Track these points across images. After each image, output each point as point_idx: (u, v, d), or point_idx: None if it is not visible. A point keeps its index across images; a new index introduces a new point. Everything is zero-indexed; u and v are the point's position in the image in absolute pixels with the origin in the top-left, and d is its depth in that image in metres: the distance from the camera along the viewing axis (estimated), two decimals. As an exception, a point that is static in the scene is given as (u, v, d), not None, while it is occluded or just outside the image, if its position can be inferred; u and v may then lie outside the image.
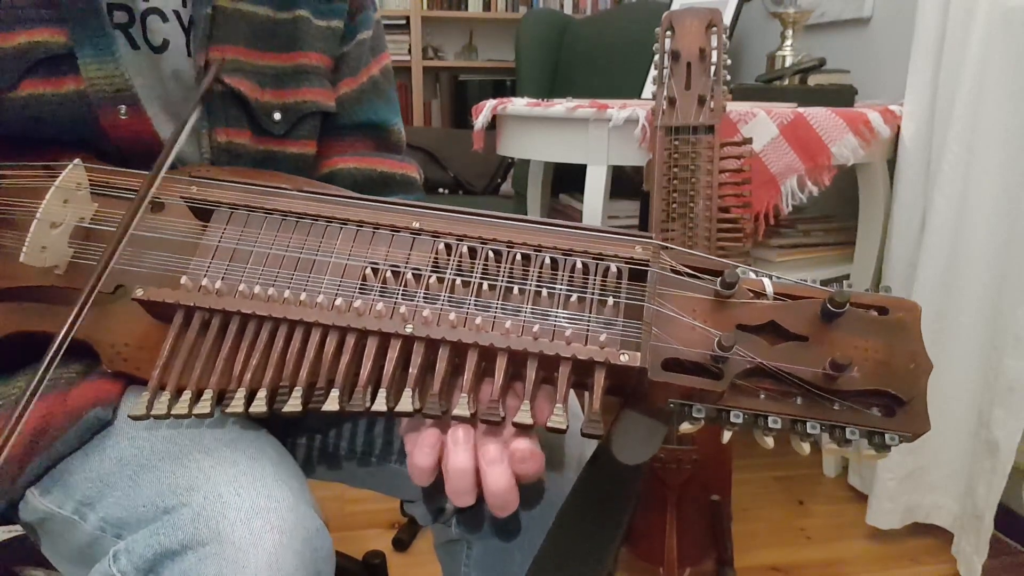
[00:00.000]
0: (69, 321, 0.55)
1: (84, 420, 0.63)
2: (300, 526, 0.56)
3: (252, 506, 0.55)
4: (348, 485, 0.87)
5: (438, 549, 0.89)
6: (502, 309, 0.54)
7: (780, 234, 1.79)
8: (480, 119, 1.77)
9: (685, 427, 0.51)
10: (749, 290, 0.52)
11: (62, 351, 0.55)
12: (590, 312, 0.54)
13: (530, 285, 0.55)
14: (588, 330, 0.53)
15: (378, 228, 0.60)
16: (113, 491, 0.60)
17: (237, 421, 0.65)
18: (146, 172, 0.64)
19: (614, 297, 0.54)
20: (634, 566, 1.53)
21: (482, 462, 0.53)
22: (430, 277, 0.57)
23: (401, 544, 1.68)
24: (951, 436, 1.60)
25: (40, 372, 0.53)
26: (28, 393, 0.53)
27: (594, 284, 0.55)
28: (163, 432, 0.62)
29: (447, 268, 0.57)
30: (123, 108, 0.70)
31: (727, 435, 0.50)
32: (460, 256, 0.57)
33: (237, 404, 0.54)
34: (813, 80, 1.81)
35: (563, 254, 0.56)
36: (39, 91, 0.67)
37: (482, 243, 0.57)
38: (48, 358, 0.54)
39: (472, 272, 0.57)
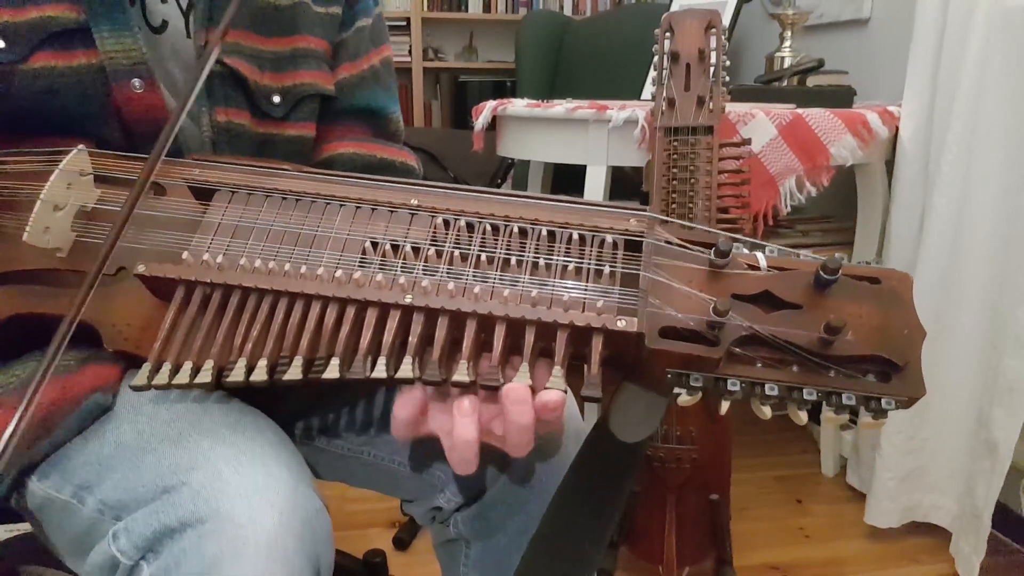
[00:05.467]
0: (76, 304, 0.55)
1: (84, 405, 0.63)
2: (300, 506, 0.57)
3: (252, 485, 0.55)
4: (348, 484, 0.87)
5: (437, 549, 0.89)
6: (500, 279, 0.55)
7: (779, 235, 1.79)
8: (480, 120, 1.77)
9: (683, 399, 0.51)
10: (743, 263, 0.52)
11: (70, 334, 0.55)
12: (587, 281, 0.54)
13: (527, 256, 0.56)
14: (585, 298, 0.53)
15: (377, 205, 0.61)
16: (112, 474, 0.60)
17: (237, 405, 0.65)
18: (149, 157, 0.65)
19: (610, 266, 0.54)
20: (634, 565, 1.52)
21: (507, 402, 0.51)
22: (429, 250, 0.57)
23: (401, 543, 1.68)
24: (950, 436, 1.60)
25: (48, 357, 0.53)
26: (38, 378, 0.52)
27: (590, 255, 0.55)
28: (163, 416, 0.62)
29: (445, 242, 0.57)
30: (137, 82, 0.71)
31: (725, 405, 0.51)
32: (458, 231, 0.58)
33: (238, 374, 0.54)
34: (812, 81, 1.81)
35: (559, 227, 0.57)
36: (51, 64, 0.68)
37: (479, 218, 0.58)
38: (56, 342, 0.54)
39: (470, 245, 0.57)
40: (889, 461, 1.64)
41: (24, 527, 0.71)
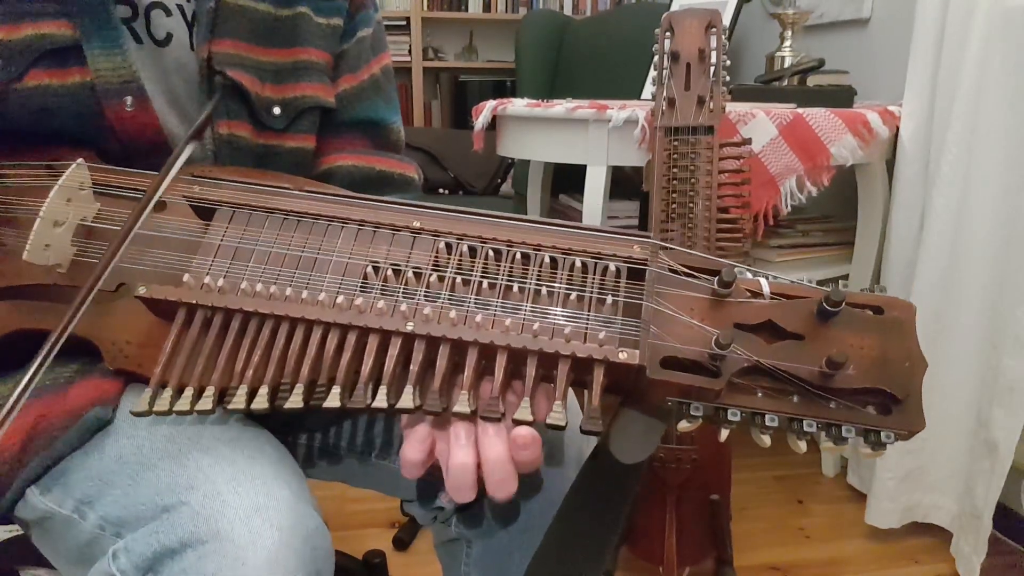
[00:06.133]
0: (67, 317, 0.55)
1: (84, 419, 0.63)
2: (300, 524, 0.57)
3: (251, 504, 0.55)
4: (348, 484, 0.87)
5: (438, 548, 0.89)
6: (502, 307, 0.55)
7: (779, 234, 1.79)
8: (480, 120, 1.77)
9: (683, 425, 0.51)
10: (746, 290, 0.52)
11: (57, 347, 0.54)
12: (589, 310, 0.54)
13: (530, 284, 0.56)
14: (587, 328, 0.53)
15: (379, 227, 0.60)
16: (112, 490, 0.60)
17: (237, 420, 0.65)
18: (149, 172, 0.65)
19: (613, 296, 0.54)
20: (634, 565, 1.53)
21: (481, 436, 0.52)
22: (431, 276, 0.57)
23: (401, 543, 1.68)
24: (950, 436, 1.60)
25: (33, 368, 0.53)
26: (20, 389, 0.52)
27: (593, 283, 0.55)
28: (163, 431, 0.62)
29: (447, 267, 0.57)
30: (129, 100, 0.70)
31: (724, 433, 0.51)
32: (460, 255, 0.58)
33: (239, 401, 0.54)
34: (812, 81, 1.81)
35: (562, 253, 0.57)
36: (45, 82, 0.67)
37: (482, 242, 0.58)
38: (43, 354, 0.54)
39: (472, 271, 0.57)
40: (889, 461, 1.65)
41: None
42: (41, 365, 0.53)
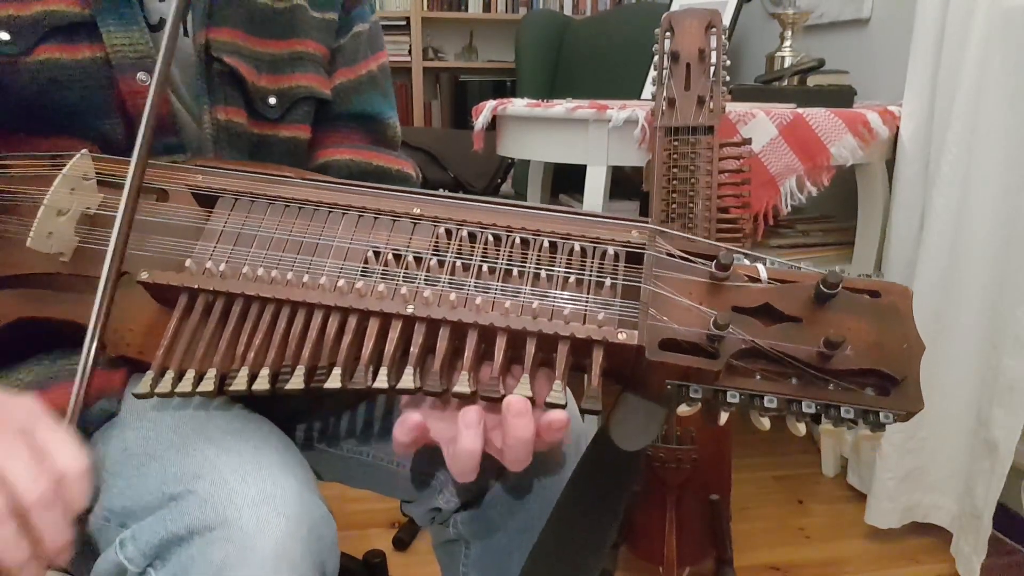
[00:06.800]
0: (97, 303, 0.56)
1: (90, 411, 0.63)
2: (306, 513, 0.57)
3: (258, 493, 0.55)
4: (348, 484, 0.88)
5: (437, 549, 0.89)
6: (502, 290, 0.55)
7: (779, 234, 1.79)
8: (480, 120, 1.77)
9: (683, 409, 0.51)
10: (744, 275, 0.52)
11: (96, 340, 0.55)
12: (588, 293, 0.54)
13: (529, 268, 0.56)
14: (586, 310, 0.53)
15: (380, 215, 0.61)
16: (118, 481, 0.61)
17: (241, 411, 0.65)
18: (151, 161, 0.65)
19: (611, 279, 0.55)
20: (634, 565, 1.53)
21: (509, 416, 0.52)
22: (431, 260, 0.57)
23: (401, 543, 1.68)
24: (950, 436, 1.60)
25: (83, 362, 0.54)
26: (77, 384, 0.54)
27: (592, 267, 0.56)
28: (168, 422, 0.62)
29: (448, 252, 0.58)
30: (143, 75, 0.71)
31: (724, 416, 0.51)
32: (460, 241, 0.58)
33: (240, 383, 0.54)
34: (812, 81, 1.81)
35: (561, 238, 0.57)
36: (55, 56, 0.68)
37: (482, 228, 0.58)
38: (86, 349, 0.55)
39: (472, 256, 0.57)
40: (889, 461, 1.64)
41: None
42: (88, 354, 0.53)
